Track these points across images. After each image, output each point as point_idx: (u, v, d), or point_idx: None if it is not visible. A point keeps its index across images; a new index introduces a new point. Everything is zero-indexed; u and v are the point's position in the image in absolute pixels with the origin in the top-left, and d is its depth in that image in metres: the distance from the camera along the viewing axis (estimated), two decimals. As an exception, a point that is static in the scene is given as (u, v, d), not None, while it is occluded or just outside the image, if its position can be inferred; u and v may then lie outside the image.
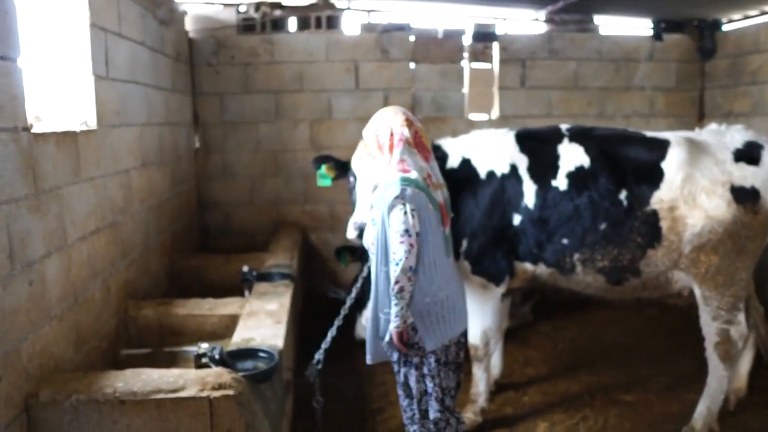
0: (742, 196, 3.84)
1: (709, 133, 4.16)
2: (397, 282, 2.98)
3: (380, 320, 3.18)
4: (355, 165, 4.16)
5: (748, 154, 3.93)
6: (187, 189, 6.05)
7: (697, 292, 3.99)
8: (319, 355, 3.92)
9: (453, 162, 4.24)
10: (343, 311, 4.34)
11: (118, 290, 3.92)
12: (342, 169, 4.47)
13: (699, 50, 6.94)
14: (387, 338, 3.13)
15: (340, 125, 6.70)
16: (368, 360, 3.32)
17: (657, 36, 6.90)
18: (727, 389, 4.20)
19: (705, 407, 4.04)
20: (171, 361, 3.50)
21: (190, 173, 6.20)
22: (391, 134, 3.19)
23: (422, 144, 3.26)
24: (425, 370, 3.20)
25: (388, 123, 3.24)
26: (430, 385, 3.21)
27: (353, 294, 4.52)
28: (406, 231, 2.95)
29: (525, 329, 6.09)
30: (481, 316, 4.19)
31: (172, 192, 5.40)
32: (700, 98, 7.12)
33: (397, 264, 2.96)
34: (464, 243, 4.12)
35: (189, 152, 6.18)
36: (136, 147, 4.42)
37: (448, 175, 4.19)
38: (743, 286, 4.00)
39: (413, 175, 3.07)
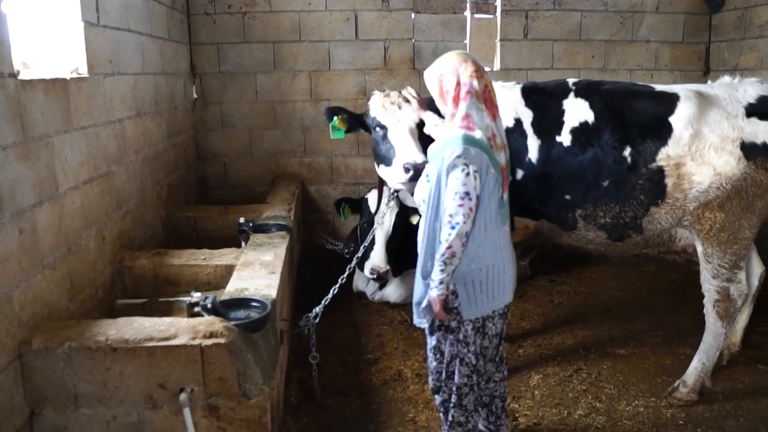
0: (753, 152, 3.74)
1: (721, 86, 4.03)
2: (449, 247, 2.81)
3: (421, 283, 3.06)
4: (380, 115, 4.07)
5: (760, 109, 3.81)
6: (184, 140, 6.00)
7: (700, 249, 3.95)
8: (318, 309, 3.97)
9: None
10: (348, 269, 4.39)
11: (113, 240, 3.92)
12: (354, 121, 4.38)
13: (707, 2, 6.76)
14: (425, 304, 2.99)
15: (340, 76, 6.60)
16: (416, 322, 3.17)
17: (665, -13, 6.73)
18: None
19: (700, 363, 4.06)
20: (166, 310, 3.50)
21: (187, 124, 6.15)
22: (458, 84, 2.94)
23: (491, 99, 3.02)
24: (461, 336, 3.09)
25: (456, 70, 2.97)
26: (463, 350, 3.11)
27: (360, 251, 4.56)
28: (467, 194, 2.78)
29: (522, 283, 6.11)
30: None
31: (168, 143, 5.36)
32: (707, 52, 6.98)
33: (453, 227, 2.79)
34: None
35: (186, 103, 6.11)
36: (130, 96, 4.36)
37: None
38: (746, 245, 3.94)
39: (477, 134, 2.85)
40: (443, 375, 3.21)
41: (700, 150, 3.75)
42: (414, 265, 5.61)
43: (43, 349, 2.68)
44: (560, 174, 3.94)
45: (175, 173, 5.56)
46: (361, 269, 5.74)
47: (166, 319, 2.87)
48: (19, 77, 2.82)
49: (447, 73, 2.99)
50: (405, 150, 3.86)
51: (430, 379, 3.30)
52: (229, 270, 3.91)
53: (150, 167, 4.76)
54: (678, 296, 5.75)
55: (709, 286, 3.98)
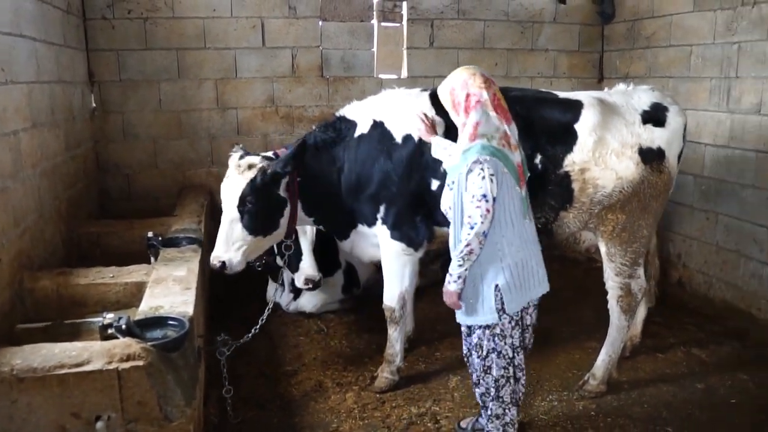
0: (650, 156, 3.99)
1: (618, 93, 4.25)
2: (468, 245, 3.05)
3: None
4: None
5: (654, 116, 4.06)
6: (84, 151, 5.70)
7: (603, 249, 4.16)
8: (243, 339, 4.02)
9: (363, 128, 4.16)
10: (268, 310, 4.34)
11: (10, 261, 3.66)
12: None
13: (599, 14, 7.15)
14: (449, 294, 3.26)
15: (247, 84, 6.49)
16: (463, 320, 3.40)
17: (561, -1, 7.07)
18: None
19: (606, 355, 4.27)
20: (73, 333, 3.31)
21: (86, 135, 5.84)
22: (467, 95, 3.17)
23: (501, 106, 3.25)
24: (498, 330, 3.28)
25: (465, 83, 3.20)
26: (500, 343, 3.30)
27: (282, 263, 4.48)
28: (484, 196, 3.01)
29: (435, 287, 6.19)
30: (399, 280, 4.21)
31: (67, 155, 5.07)
32: (600, 60, 7.38)
33: (471, 227, 3.03)
34: (382, 209, 4.09)
35: (84, 112, 5.80)
36: (25, 106, 4.09)
37: (359, 141, 4.13)
38: (644, 243, 4.20)
39: (483, 140, 3.09)
40: (480, 370, 3.38)
41: (603, 156, 3.95)
42: (327, 275, 5.65)
43: (-61, 383, 2.46)
44: None
45: (75, 187, 5.27)
46: (274, 280, 5.67)
47: (78, 344, 2.72)
48: None
49: (457, 86, 3.23)
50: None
51: (474, 375, 3.48)
52: (139, 287, 3.75)
53: (48, 181, 4.49)
54: (581, 292, 6.03)
55: (613, 283, 4.19)
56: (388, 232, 4.12)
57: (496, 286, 3.20)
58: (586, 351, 4.84)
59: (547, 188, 3.97)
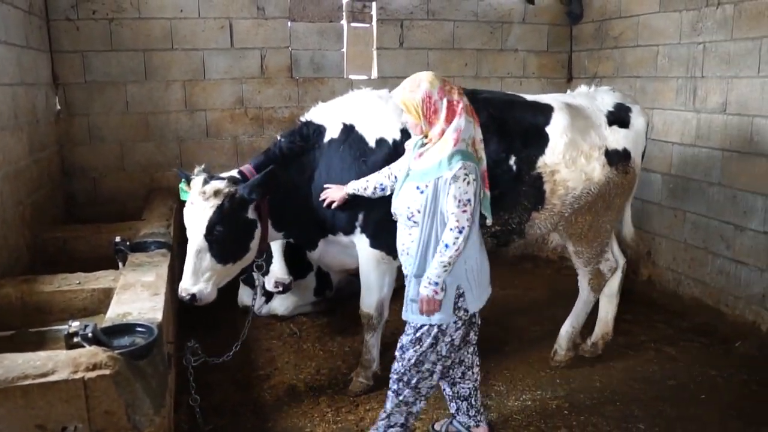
0: (615, 158, 4.08)
1: (581, 96, 4.32)
2: (457, 249, 3.08)
3: (415, 282, 3.27)
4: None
5: (619, 118, 4.15)
6: (48, 155, 5.58)
7: (571, 248, 4.24)
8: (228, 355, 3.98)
9: (333, 132, 4.06)
10: (248, 324, 4.24)
11: (-28, 268, 3.57)
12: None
13: (567, 14, 7.22)
14: (420, 298, 3.20)
15: (215, 86, 6.41)
16: (409, 317, 3.39)
17: (529, 0, 7.11)
18: (596, 333, 4.63)
19: (570, 327, 4.52)
20: (38, 342, 3.23)
21: (51, 138, 5.71)
22: (449, 103, 3.14)
23: (473, 111, 3.28)
24: (444, 327, 3.31)
25: (443, 91, 3.16)
26: (441, 338, 3.34)
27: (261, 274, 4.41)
28: (469, 200, 3.07)
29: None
30: (378, 288, 4.17)
31: (31, 159, 4.95)
32: (569, 60, 7.45)
33: (460, 232, 3.07)
34: (360, 216, 4.02)
35: (48, 115, 5.68)
36: (-14, 110, 4.00)
37: (330, 147, 4.03)
38: (608, 236, 4.36)
39: (462, 146, 3.13)
40: (413, 361, 3.36)
41: (573, 158, 4.00)
42: (299, 277, 5.61)
43: None
44: None
45: (40, 191, 5.15)
46: (246, 284, 5.62)
47: (42, 353, 2.64)
48: None
49: (435, 94, 3.16)
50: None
51: (398, 364, 3.44)
52: (107, 294, 3.66)
53: (11, 186, 4.38)
54: (553, 291, 6.08)
55: (583, 270, 4.35)
56: (367, 241, 4.07)
57: (458, 286, 3.23)
58: (559, 350, 4.87)
59: (521, 189, 4.01)
